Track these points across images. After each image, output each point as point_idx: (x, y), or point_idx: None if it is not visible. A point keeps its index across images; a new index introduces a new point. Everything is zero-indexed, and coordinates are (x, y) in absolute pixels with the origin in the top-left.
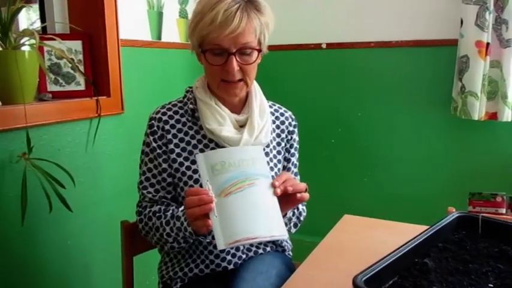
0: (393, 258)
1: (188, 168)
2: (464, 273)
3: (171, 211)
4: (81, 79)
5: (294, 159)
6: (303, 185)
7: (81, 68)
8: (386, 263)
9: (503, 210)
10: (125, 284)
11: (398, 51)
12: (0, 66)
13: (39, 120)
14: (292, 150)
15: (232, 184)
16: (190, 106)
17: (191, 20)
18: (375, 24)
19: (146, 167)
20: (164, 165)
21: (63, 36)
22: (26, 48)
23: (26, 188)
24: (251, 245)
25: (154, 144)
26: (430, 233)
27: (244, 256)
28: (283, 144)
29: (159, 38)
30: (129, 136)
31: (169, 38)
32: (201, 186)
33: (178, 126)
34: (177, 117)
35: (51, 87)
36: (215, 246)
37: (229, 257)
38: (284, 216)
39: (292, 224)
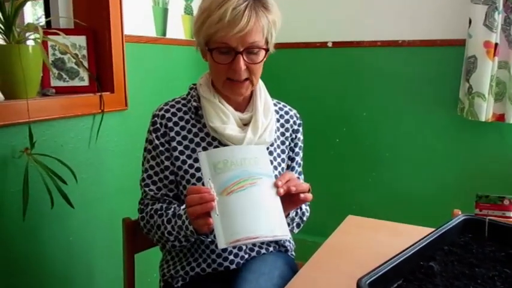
0: (398, 261)
1: (191, 166)
2: (470, 278)
3: (172, 209)
4: (84, 75)
5: (298, 159)
6: (306, 185)
7: (85, 63)
8: (391, 266)
9: (511, 214)
10: (126, 281)
11: (405, 51)
12: (4, 61)
13: (42, 115)
14: (297, 149)
15: (234, 183)
16: (194, 104)
17: (197, 17)
18: (381, 23)
19: (148, 164)
20: (167, 163)
21: (68, 31)
22: (30, 42)
23: (27, 183)
24: (253, 244)
25: (157, 142)
26: (436, 235)
27: (246, 256)
28: (287, 143)
29: (164, 34)
30: (133, 133)
31: (174, 35)
32: (203, 184)
33: (182, 123)
34: (180, 114)
35: (55, 83)
36: (217, 246)
37: (231, 257)
38: (287, 216)
39: (295, 224)
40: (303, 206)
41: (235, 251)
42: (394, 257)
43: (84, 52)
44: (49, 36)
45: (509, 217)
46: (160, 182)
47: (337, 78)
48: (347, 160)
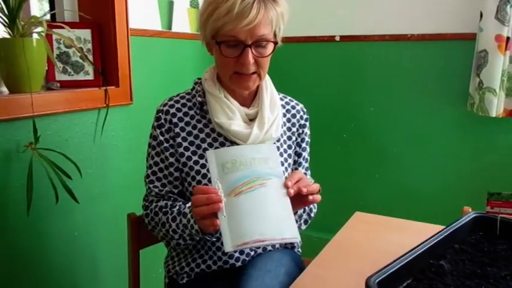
0: (408, 260)
1: (196, 162)
2: (482, 277)
3: (177, 207)
4: (89, 68)
5: (305, 154)
6: (316, 186)
7: (90, 57)
8: (401, 265)
9: None
10: (131, 276)
11: (414, 45)
12: (8, 54)
13: (46, 109)
14: (304, 145)
15: (243, 184)
16: (199, 99)
17: (203, 10)
18: (390, 17)
19: (153, 160)
20: (171, 159)
21: (72, 25)
22: (35, 36)
23: (32, 178)
24: None
25: (161, 138)
26: (446, 233)
27: (252, 253)
28: (294, 138)
29: (170, 27)
30: (138, 128)
31: (179, 28)
32: (209, 181)
33: (186, 119)
34: (185, 110)
35: (60, 77)
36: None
37: (237, 254)
38: (295, 213)
39: (302, 221)
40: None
41: None
42: (404, 255)
43: (89, 46)
44: (53, 30)
45: None
46: (165, 179)
47: (344, 73)
48: (354, 156)
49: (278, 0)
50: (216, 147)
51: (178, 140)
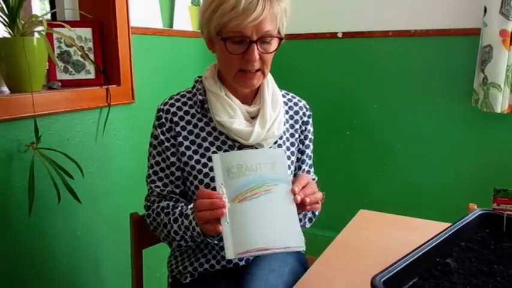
0: (413, 258)
1: (198, 161)
2: (489, 275)
3: (179, 208)
4: (91, 67)
5: (308, 151)
6: (320, 195)
7: (91, 56)
8: (406, 263)
9: None
10: (134, 276)
11: (417, 41)
12: (8, 53)
13: (47, 109)
14: (307, 142)
15: (247, 190)
16: (200, 97)
17: (206, 6)
18: (393, 13)
19: (154, 160)
20: (173, 159)
21: (73, 24)
22: (35, 35)
23: (33, 178)
24: None
25: (162, 137)
26: (452, 231)
27: None
28: (296, 135)
29: (171, 26)
30: (140, 126)
31: (181, 26)
32: (211, 180)
33: (187, 118)
34: (185, 108)
35: (61, 76)
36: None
37: None
38: (299, 213)
39: (307, 219)
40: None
41: None
42: (409, 253)
43: (90, 44)
44: (54, 29)
45: None
46: (166, 178)
47: (347, 70)
48: (357, 153)
49: None
50: (218, 146)
51: (180, 139)
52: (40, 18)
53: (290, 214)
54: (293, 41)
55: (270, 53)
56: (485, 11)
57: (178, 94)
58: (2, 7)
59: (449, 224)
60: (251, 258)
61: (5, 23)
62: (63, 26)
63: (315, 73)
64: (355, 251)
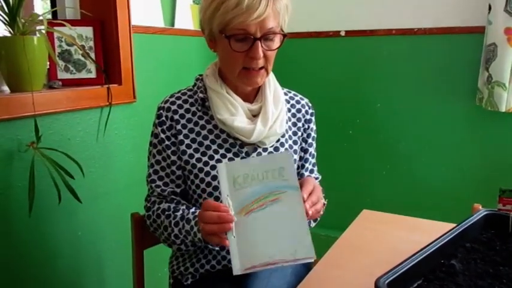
0: (418, 260)
1: (198, 160)
2: (494, 277)
3: (181, 211)
4: (92, 66)
5: (311, 150)
6: (321, 205)
7: (92, 55)
8: (411, 265)
9: None
10: (135, 276)
11: (421, 39)
12: (8, 52)
13: (48, 108)
14: (310, 140)
15: (254, 201)
16: (200, 95)
17: (208, 4)
18: (396, 11)
19: (154, 159)
20: (173, 157)
21: (74, 22)
22: (36, 34)
23: (33, 178)
24: None
25: (162, 136)
26: (457, 232)
27: None
28: (299, 133)
29: (172, 24)
30: (141, 126)
31: (182, 25)
32: (212, 179)
33: (188, 116)
34: (186, 106)
35: (62, 75)
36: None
37: None
38: None
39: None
40: (321, 200)
41: None
42: (414, 254)
43: (91, 43)
44: (55, 28)
45: None
46: (167, 178)
47: (350, 69)
48: (361, 152)
49: None
50: (219, 144)
51: (180, 137)
52: (40, 17)
53: (299, 222)
54: (296, 40)
55: (274, 50)
56: (489, 8)
57: (179, 92)
58: (2, 6)
59: (453, 225)
60: None
61: (5, 22)
62: (64, 25)
63: (318, 72)
64: (359, 251)
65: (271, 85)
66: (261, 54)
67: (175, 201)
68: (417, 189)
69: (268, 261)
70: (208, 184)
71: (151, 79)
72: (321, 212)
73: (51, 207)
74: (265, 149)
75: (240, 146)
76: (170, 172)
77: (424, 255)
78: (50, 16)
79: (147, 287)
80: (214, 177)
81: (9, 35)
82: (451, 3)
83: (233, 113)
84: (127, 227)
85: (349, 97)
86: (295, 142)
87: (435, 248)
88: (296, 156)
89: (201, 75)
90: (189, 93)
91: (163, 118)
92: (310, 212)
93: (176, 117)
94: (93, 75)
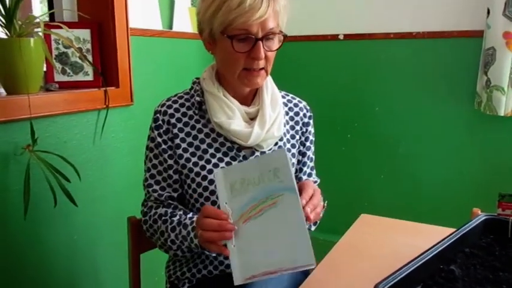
0: (417, 265)
1: (195, 164)
2: (494, 283)
3: (177, 216)
4: (89, 69)
5: (309, 153)
6: (320, 209)
7: (89, 57)
8: (410, 270)
9: None
10: (131, 280)
11: (420, 43)
12: (5, 55)
13: (44, 111)
14: (308, 144)
15: (251, 207)
16: (197, 99)
17: (208, 4)
18: (394, 15)
19: (151, 163)
20: (170, 161)
21: (71, 25)
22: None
23: (29, 181)
24: None
25: (159, 139)
26: (456, 237)
27: None
28: (297, 137)
29: (171, 27)
30: (139, 129)
31: (181, 28)
32: (209, 183)
33: (185, 119)
34: (183, 110)
35: (59, 77)
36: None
37: None
38: None
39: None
40: (321, 203)
41: None
42: (413, 260)
43: (89, 46)
44: (52, 30)
45: None
46: (164, 182)
47: (348, 72)
48: (359, 156)
49: None
50: (216, 148)
51: (177, 141)
52: (37, 19)
53: (298, 228)
54: (294, 43)
55: (274, 50)
56: (488, 12)
57: (175, 96)
58: None
59: (452, 229)
60: None
61: (2, 24)
62: (61, 27)
63: (316, 75)
64: (356, 256)
65: (269, 88)
66: (263, 54)
67: (172, 206)
68: (416, 194)
69: (268, 270)
70: (205, 188)
71: (149, 82)
72: (321, 215)
73: (47, 210)
74: (262, 153)
75: (237, 150)
76: (167, 176)
77: (423, 261)
78: (47, 18)
79: None
80: (211, 182)
81: (5, 37)
82: (449, 7)
83: (230, 116)
84: (124, 230)
85: (348, 100)
86: (293, 145)
87: (434, 253)
88: (294, 160)
89: (197, 78)
90: (185, 96)
91: (160, 122)
92: (311, 216)
93: (173, 121)
94: (90, 77)
